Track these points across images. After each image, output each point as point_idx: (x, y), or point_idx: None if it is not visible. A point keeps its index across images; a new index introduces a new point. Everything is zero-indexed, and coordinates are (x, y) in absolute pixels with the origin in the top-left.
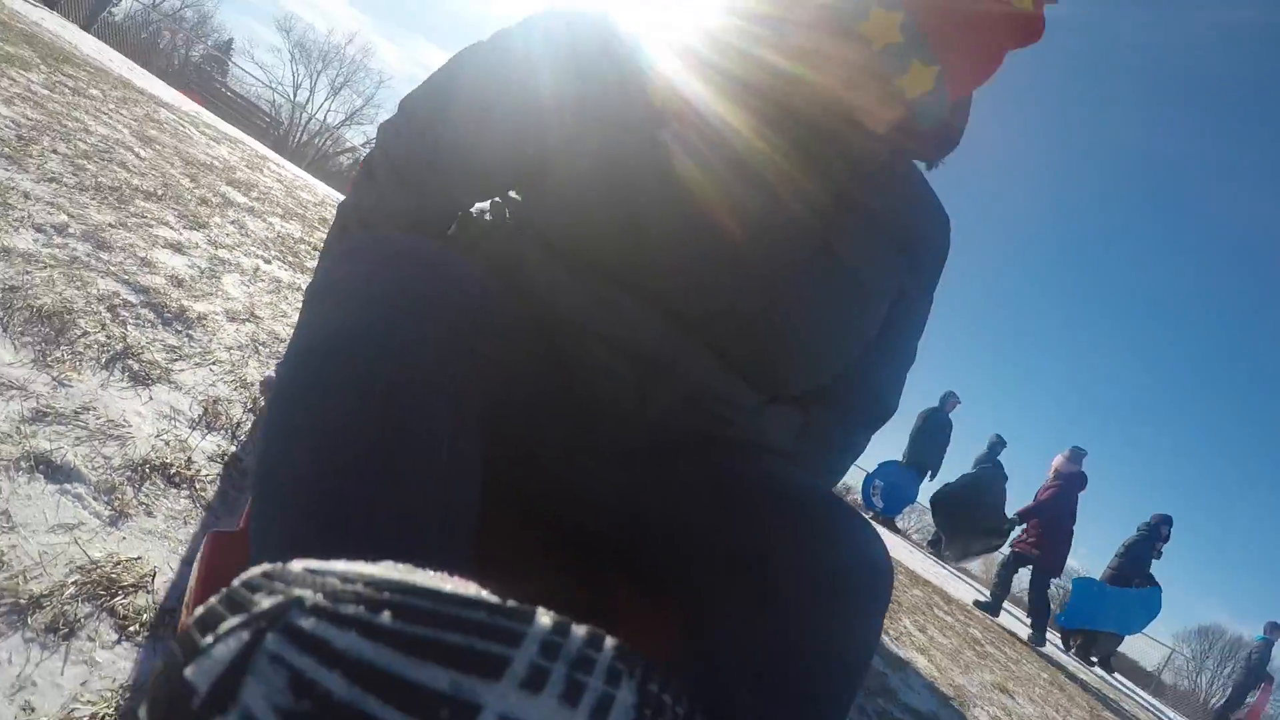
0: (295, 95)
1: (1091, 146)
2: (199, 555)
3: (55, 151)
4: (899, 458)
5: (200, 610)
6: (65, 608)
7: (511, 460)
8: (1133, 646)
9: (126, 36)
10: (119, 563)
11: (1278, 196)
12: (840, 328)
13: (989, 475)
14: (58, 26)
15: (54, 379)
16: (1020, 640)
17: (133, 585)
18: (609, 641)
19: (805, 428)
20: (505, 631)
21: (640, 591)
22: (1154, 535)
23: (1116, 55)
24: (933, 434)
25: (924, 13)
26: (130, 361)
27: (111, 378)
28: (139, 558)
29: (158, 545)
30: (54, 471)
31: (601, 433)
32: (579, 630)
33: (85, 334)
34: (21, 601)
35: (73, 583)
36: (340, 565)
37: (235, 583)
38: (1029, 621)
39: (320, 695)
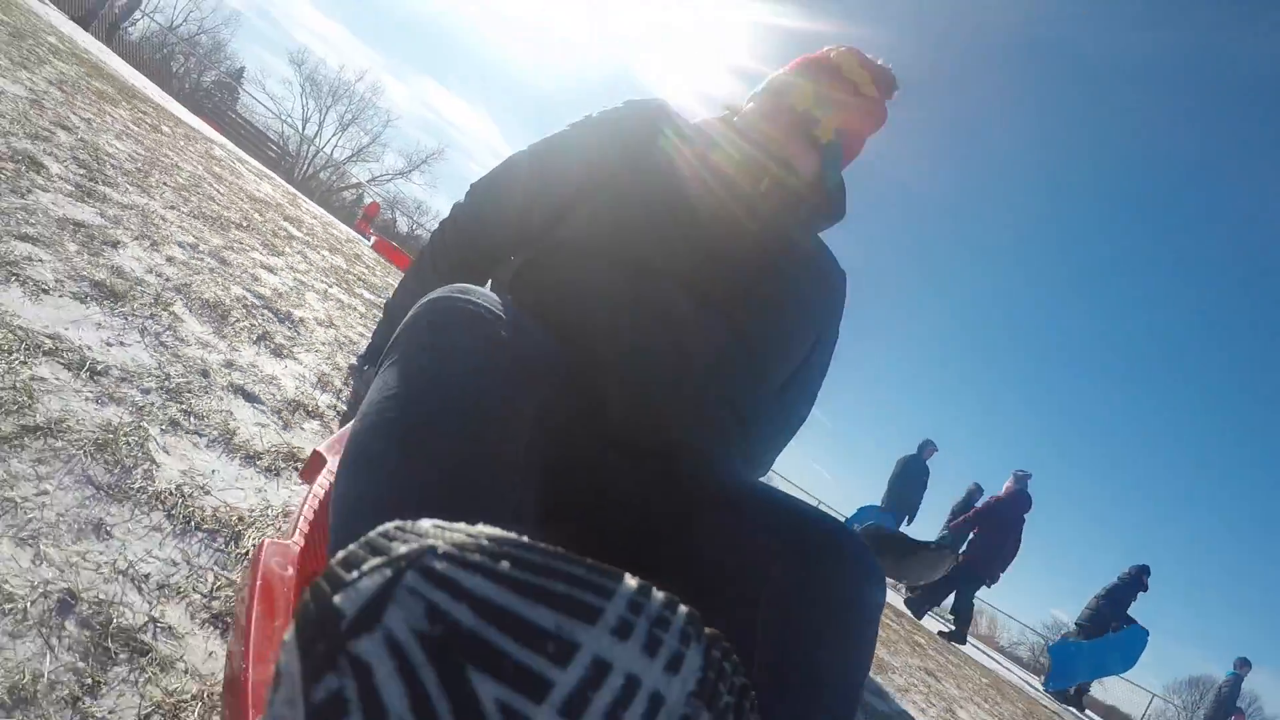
0: (304, 128)
1: (1060, 187)
2: (253, 559)
3: (165, 184)
4: (878, 503)
5: (341, 553)
6: (270, 461)
7: (555, 467)
8: (1116, 694)
9: (142, 56)
10: (291, 450)
11: (1245, 258)
12: (802, 324)
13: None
14: (88, 42)
15: (230, 346)
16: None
17: (300, 458)
18: (683, 607)
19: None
20: (599, 586)
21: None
22: (1135, 584)
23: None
24: (910, 480)
25: (843, 127)
26: (268, 342)
27: (260, 350)
28: (301, 446)
29: (308, 442)
30: (248, 397)
31: (632, 433)
32: (659, 594)
33: (237, 320)
34: (250, 454)
35: (269, 450)
36: (463, 525)
37: (373, 533)
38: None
39: (451, 623)
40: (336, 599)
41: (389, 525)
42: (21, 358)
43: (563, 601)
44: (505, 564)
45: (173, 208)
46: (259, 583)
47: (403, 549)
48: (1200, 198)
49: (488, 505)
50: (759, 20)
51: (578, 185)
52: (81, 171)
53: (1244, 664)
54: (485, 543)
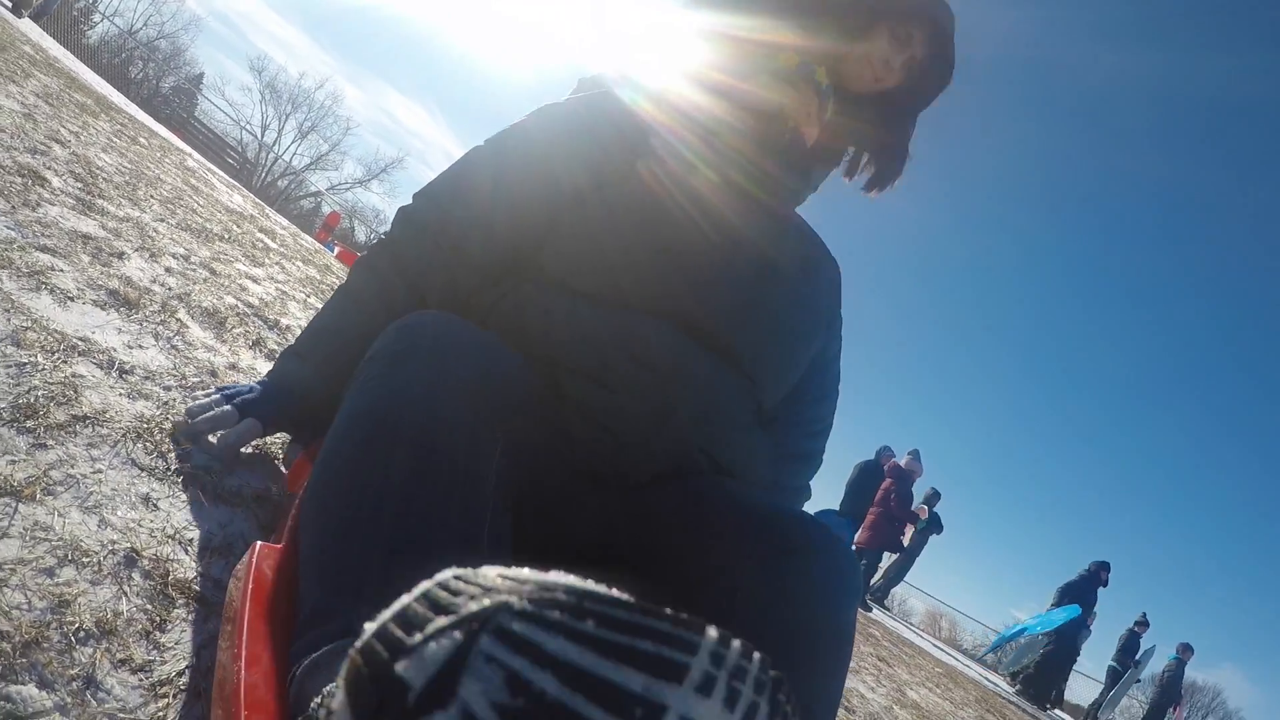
0: (263, 135)
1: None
2: (244, 563)
3: (152, 198)
4: (836, 507)
5: (396, 608)
6: (278, 448)
7: (527, 494)
8: (1075, 689)
9: (100, 61)
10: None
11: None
12: (805, 332)
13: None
14: (55, 49)
15: (231, 350)
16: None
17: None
18: (756, 655)
19: (775, 447)
20: (685, 641)
21: None
22: (1094, 580)
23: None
24: (867, 487)
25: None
26: (261, 348)
27: (256, 355)
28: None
29: None
30: None
31: (608, 467)
32: (736, 643)
33: (233, 327)
34: (259, 444)
35: (275, 440)
36: (530, 573)
37: (430, 584)
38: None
39: (535, 694)
40: (399, 668)
41: (449, 575)
42: (62, 357)
43: (650, 661)
44: (590, 623)
45: (162, 220)
46: (251, 586)
47: (473, 606)
48: (1143, 204)
49: (457, 531)
50: (718, 30)
51: (544, 204)
52: (79, 185)
53: (1187, 649)
54: (563, 597)
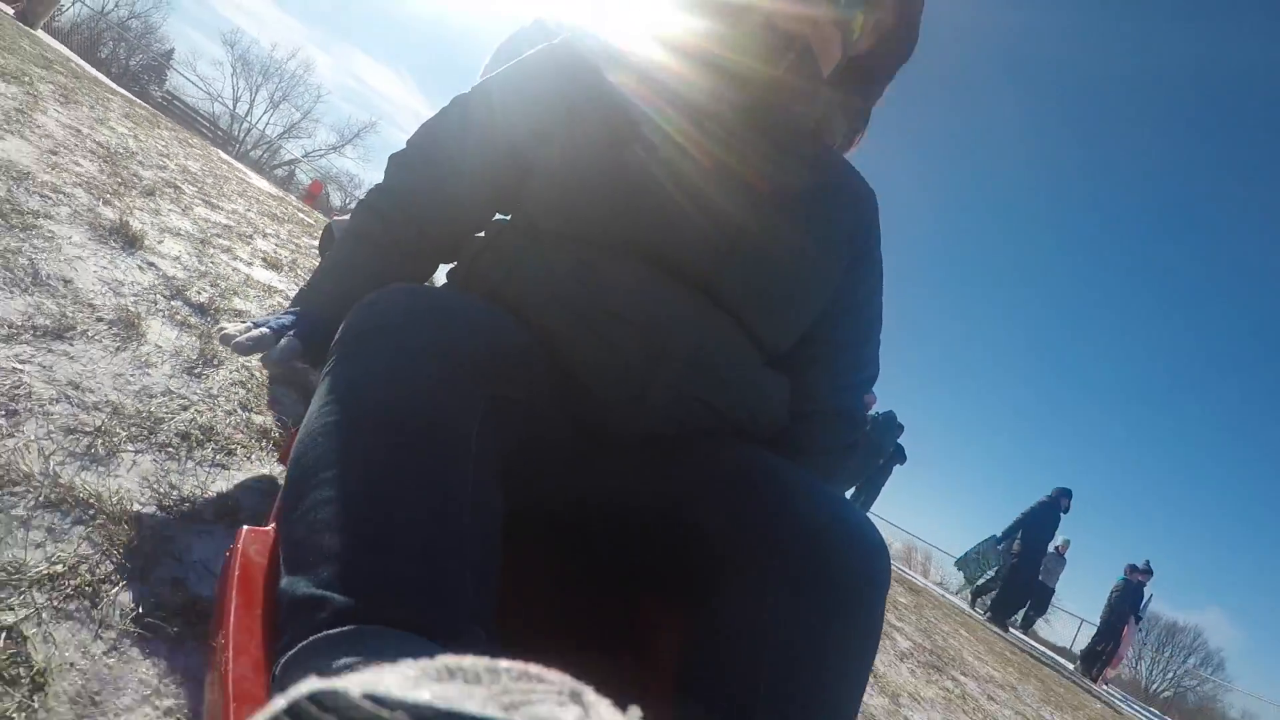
0: (235, 107)
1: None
2: (232, 549)
3: (235, 194)
4: None
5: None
6: None
7: (521, 465)
8: (1058, 629)
9: (72, 42)
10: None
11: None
12: (809, 265)
13: None
14: (48, 40)
15: None
16: None
17: None
18: None
19: (802, 401)
20: None
21: (647, 585)
22: (1054, 507)
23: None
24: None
25: None
26: None
27: None
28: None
29: None
30: None
31: (606, 424)
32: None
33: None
34: None
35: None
36: (397, 689)
37: (302, 698)
38: None
39: None
40: None
41: (303, 696)
42: (258, 291)
43: None
44: None
45: (249, 210)
46: (238, 573)
47: None
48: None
49: (438, 540)
50: None
51: (509, 144)
52: (196, 189)
53: (1134, 570)
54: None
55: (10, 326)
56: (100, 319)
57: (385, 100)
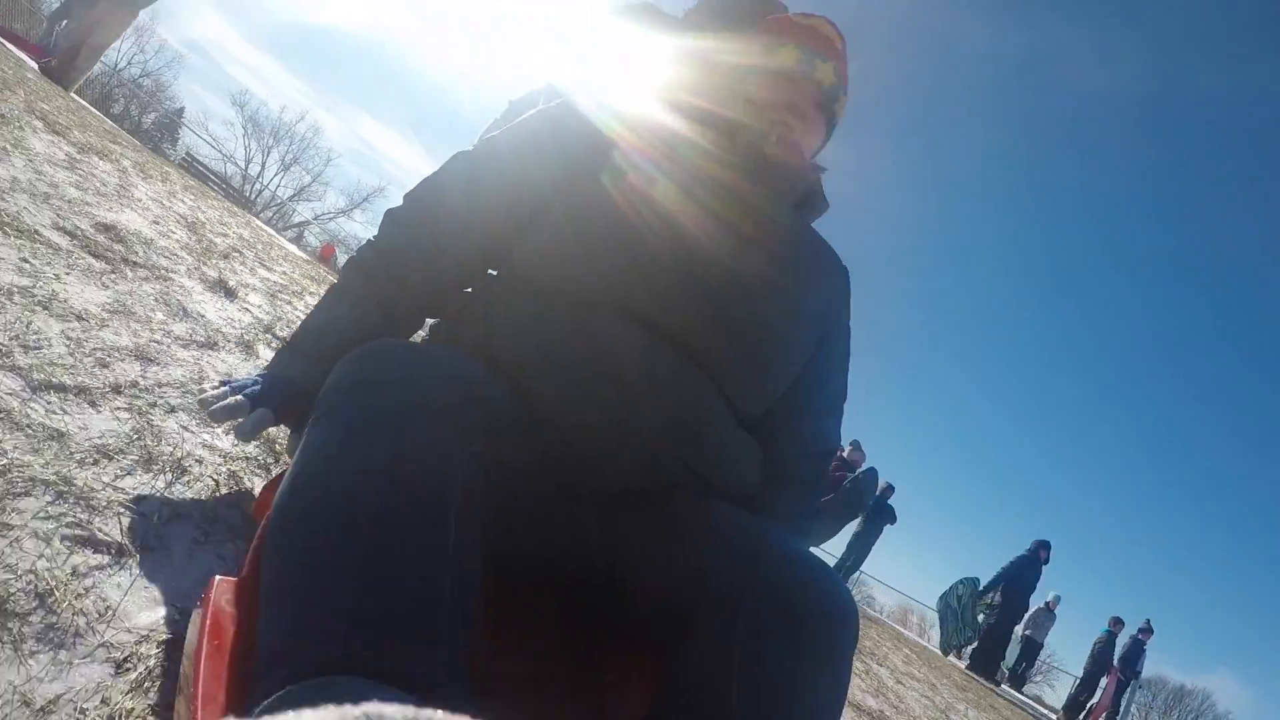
0: (246, 168)
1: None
2: (203, 598)
3: (279, 259)
4: None
5: None
6: None
7: (501, 518)
8: (1058, 690)
9: (83, 96)
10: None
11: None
12: (787, 336)
13: None
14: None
15: None
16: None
17: None
18: None
19: (770, 467)
20: None
21: (622, 638)
22: (1034, 560)
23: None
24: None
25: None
26: None
27: None
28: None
29: None
30: None
31: (586, 478)
32: None
33: None
34: None
35: None
36: None
37: None
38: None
39: None
40: None
41: None
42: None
43: None
44: None
45: (294, 271)
46: (208, 622)
47: None
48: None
49: (419, 567)
50: (692, 53)
51: (508, 206)
52: (254, 254)
53: (1117, 622)
54: None
55: (180, 339)
56: (230, 339)
57: (392, 163)
